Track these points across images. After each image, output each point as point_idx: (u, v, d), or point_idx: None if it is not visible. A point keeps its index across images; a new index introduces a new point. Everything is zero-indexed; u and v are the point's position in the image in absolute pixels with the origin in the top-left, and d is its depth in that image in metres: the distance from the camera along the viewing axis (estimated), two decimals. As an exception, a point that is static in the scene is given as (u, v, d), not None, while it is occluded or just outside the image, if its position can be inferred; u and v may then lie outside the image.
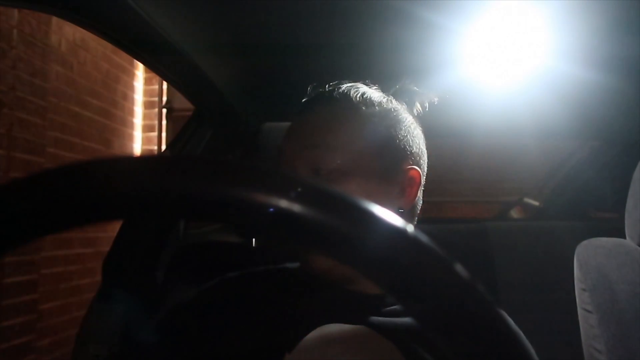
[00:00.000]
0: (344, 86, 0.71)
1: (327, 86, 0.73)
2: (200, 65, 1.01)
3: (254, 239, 1.14)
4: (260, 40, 0.96)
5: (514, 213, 2.15)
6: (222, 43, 0.97)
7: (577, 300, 0.83)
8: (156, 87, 3.58)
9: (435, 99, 0.76)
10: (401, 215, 0.70)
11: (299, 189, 0.22)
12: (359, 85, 0.72)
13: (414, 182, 0.69)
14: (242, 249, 1.13)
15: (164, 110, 3.57)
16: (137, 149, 3.56)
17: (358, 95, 0.70)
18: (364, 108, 0.69)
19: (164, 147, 3.55)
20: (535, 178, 1.98)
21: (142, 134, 3.59)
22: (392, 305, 0.65)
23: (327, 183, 0.62)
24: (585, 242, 0.85)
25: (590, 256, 0.82)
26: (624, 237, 0.85)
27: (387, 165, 0.68)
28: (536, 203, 2.06)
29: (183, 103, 2.85)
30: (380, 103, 0.71)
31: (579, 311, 0.82)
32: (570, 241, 0.90)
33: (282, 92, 1.25)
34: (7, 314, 2.19)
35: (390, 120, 0.70)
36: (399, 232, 0.23)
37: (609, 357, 0.73)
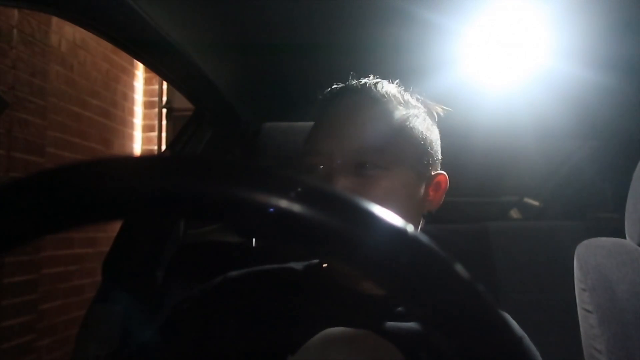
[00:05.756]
0: (373, 81, 0.70)
1: (350, 81, 0.71)
2: (200, 65, 1.01)
3: (254, 239, 1.14)
4: (260, 40, 0.96)
5: (514, 213, 2.15)
6: (222, 43, 0.97)
7: (577, 300, 0.83)
8: (156, 87, 3.58)
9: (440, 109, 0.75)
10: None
11: (299, 189, 0.22)
12: (384, 81, 0.70)
13: (439, 187, 0.70)
14: (242, 249, 1.13)
15: (164, 110, 3.57)
16: (137, 149, 3.56)
17: (396, 93, 0.69)
18: (401, 106, 0.69)
19: (164, 147, 3.55)
20: (535, 178, 1.98)
21: (142, 134, 3.59)
22: (397, 308, 0.64)
23: (372, 178, 0.62)
24: (585, 242, 0.85)
25: (590, 256, 0.82)
26: (624, 237, 0.85)
27: (421, 168, 0.67)
28: (536, 203, 2.06)
29: (183, 103, 2.85)
30: (416, 105, 0.71)
31: (579, 311, 0.82)
32: (570, 241, 0.90)
33: (282, 92, 1.25)
34: (7, 314, 2.19)
35: (425, 122, 0.70)
36: (399, 232, 0.23)
37: (609, 357, 0.73)
